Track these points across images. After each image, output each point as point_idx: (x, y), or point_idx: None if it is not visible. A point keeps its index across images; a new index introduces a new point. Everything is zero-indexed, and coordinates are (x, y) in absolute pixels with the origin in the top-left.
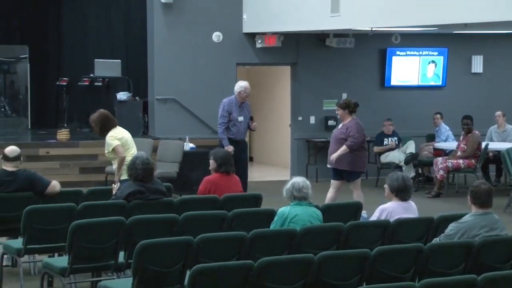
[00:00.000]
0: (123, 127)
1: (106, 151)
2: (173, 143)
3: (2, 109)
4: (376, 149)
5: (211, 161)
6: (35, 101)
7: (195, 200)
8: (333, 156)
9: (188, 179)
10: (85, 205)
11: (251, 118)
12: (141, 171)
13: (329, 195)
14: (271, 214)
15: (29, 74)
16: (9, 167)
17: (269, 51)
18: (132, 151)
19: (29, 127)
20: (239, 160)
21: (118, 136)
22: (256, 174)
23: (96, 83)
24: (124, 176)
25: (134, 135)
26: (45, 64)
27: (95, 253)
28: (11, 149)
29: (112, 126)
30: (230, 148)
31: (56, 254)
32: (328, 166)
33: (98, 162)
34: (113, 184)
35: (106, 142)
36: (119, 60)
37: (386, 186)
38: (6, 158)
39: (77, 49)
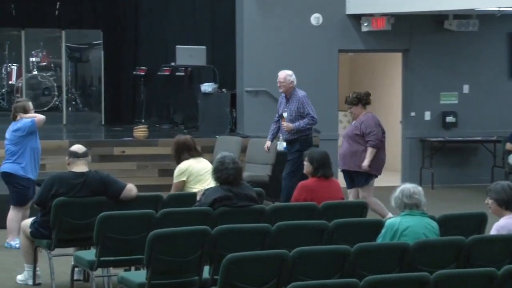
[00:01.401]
0: (207, 122)
1: None
2: (265, 142)
3: (73, 102)
4: (509, 146)
5: (306, 164)
6: (109, 94)
7: (290, 207)
8: (365, 164)
9: (281, 183)
10: (165, 212)
11: (281, 116)
12: (232, 170)
13: None
14: (378, 225)
15: (102, 63)
16: (79, 166)
17: (377, 36)
18: (206, 184)
19: (103, 123)
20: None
21: (183, 169)
22: None
23: (177, 73)
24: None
25: (220, 132)
26: (121, 51)
27: (176, 267)
28: (78, 146)
29: (188, 156)
30: (266, 144)
31: (133, 268)
32: (339, 169)
33: None
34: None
35: None
36: (204, 47)
37: (490, 201)
38: (76, 155)
39: (156, 34)
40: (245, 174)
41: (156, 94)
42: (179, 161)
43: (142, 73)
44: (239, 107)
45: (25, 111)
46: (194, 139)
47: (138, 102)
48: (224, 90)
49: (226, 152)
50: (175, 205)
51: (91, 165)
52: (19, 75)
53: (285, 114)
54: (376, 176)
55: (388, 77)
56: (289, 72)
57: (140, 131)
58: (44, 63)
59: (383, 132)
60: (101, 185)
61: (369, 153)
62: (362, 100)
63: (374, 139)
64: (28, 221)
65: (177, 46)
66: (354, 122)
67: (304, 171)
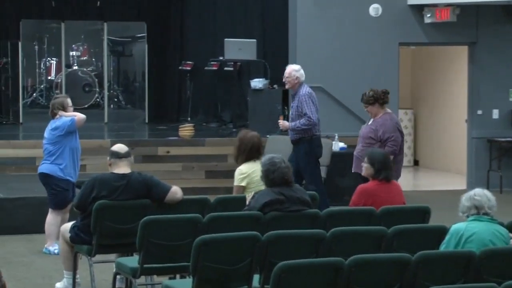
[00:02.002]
0: (257, 121)
1: None
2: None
3: (115, 99)
4: None
5: (366, 165)
6: (153, 90)
7: (346, 212)
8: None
9: (337, 186)
10: (212, 216)
11: (279, 114)
12: (286, 169)
13: None
14: (441, 232)
15: (146, 57)
16: (121, 167)
17: (440, 28)
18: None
19: (146, 121)
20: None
21: (245, 174)
22: (423, 181)
23: (226, 68)
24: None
25: (271, 131)
26: (166, 45)
27: (224, 276)
28: (120, 146)
29: (250, 158)
30: None
31: (178, 276)
32: (353, 171)
33: (228, 165)
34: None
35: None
36: (254, 40)
37: None
38: (118, 155)
39: (203, 27)
40: None
41: (203, 91)
42: (237, 160)
43: (189, 68)
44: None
45: (63, 108)
46: (261, 139)
47: (184, 99)
48: (275, 86)
49: (269, 154)
50: (223, 209)
51: (133, 166)
52: (58, 70)
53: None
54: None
55: (453, 73)
56: (296, 67)
57: (186, 130)
58: (84, 58)
59: (402, 136)
60: (145, 188)
61: None
62: (379, 99)
63: (392, 145)
64: (68, 225)
65: (226, 39)
66: (370, 122)
67: (363, 173)
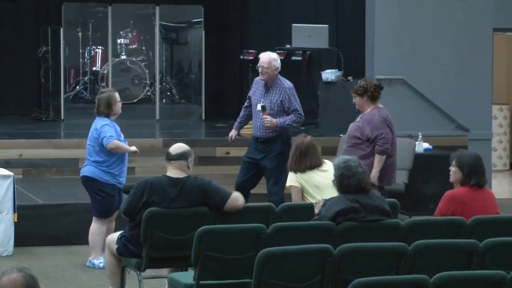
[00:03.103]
0: (330, 116)
1: None
2: (400, 142)
3: (168, 93)
4: None
5: (454, 169)
6: (211, 82)
7: (432, 223)
8: (373, 174)
9: (421, 193)
10: (277, 226)
11: (263, 108)
12: (362, 175)
13: None
14: None
15: (203, 45)
16: (172, 170)
17: None
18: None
19: (203, 118)
20: (259, 166)
21: (300, 180)
22: None
23: (293, 58)
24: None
25: (344, 130)
26: (225, 31)
27: None
28: (176, 146)
29: (304, 168)
30: (230, 133)
31: None
32: None
33: None
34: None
35: None
36: (326, 26)
37: None
38: (167, 157)
39: (268, 11)
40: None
41: None
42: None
43: (251, 58)
44: None
45: (109, 104)
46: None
47: (246, 92)
48: (350, 78)
49: (344, 156)
50: (290, 218)
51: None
52: (104, 60)
53: (258, 106)
54: (383, 188)
55: None
56: (274, 55)
57: (248, 128)
58: (134, 46)
59: (393, 134)
60: (201, 194)
61: (377, 161)
62: (368, 91)
63: (381, 143)
64: (115, 235)
65: (294, 24)
66: (357, 119)
67: (451, 179)
